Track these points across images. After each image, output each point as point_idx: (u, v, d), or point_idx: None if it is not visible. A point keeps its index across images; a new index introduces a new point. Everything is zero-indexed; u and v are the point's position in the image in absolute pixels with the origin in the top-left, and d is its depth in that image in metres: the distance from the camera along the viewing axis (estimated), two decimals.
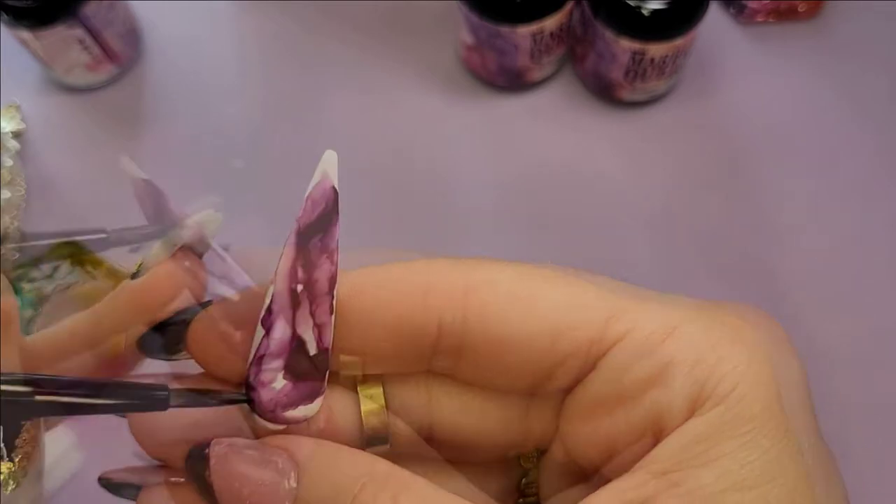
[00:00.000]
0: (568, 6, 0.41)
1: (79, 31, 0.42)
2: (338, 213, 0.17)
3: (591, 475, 0.18)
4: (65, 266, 0.38)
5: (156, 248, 0.18)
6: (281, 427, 0.17)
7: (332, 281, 0.16)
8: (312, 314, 0.17)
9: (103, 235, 0.16)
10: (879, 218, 0.42)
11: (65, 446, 0.37)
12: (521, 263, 0.18)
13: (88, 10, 0.42)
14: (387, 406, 0.19)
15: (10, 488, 0.17)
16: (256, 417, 0.17)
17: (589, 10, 0.41)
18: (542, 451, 0.20)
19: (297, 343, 0.17)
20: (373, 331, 0.18)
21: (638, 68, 0.41)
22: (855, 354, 0.38)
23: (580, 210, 0.42)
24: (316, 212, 0.17)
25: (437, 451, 0.19)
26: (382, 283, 0.18)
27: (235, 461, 0.16)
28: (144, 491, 0.18)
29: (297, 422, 0.17)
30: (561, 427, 0.19)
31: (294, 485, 0.16)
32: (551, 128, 0.45)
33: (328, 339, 0.17)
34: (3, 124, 0.45)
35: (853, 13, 0.47)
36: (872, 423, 0.37)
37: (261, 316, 0.17)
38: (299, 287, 0.16)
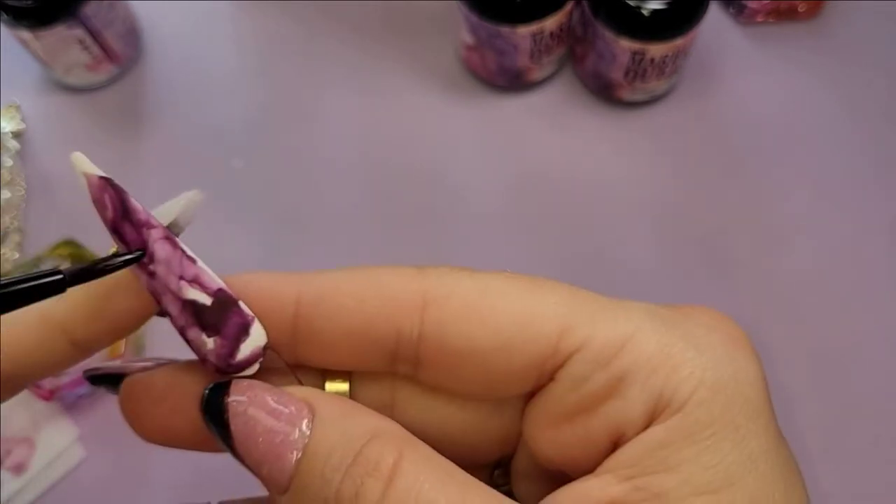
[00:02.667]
0: (568, 6, 0.41)
1: (79, 31, 0.42)
2: (120, 189, 0.17)
3: (555, 478, 0.19)
4: (65, 266, 0.38)
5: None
6: (248, 372, 0.18)
7: (170, 239, 0.17)
8: (180, 276, 0.17)
9: (59, 277, 0.16)
10: (879, 217, 0.42)
11: (67, 441, 0.37)
12: (479, 274, 0.19)
13: (88, 10, 0.42)
14: (350, 398, 0.19)
15: None
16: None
17: (589, 10, 0.41)
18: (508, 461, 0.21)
19: (191, 306, 0.17)
20: (332, 337, 0.18)
21: (638, 68, 0.41)
22: (855, 354, 0.38)
23: (580, 210, 0.42)
24: (107, 207, 0.17)
25: None
26: (343, 291, 0.18)
27: (253, 403, 0.17)
28: (127, 379, 0.19)
29: (253, 360, 0.18)
30: (524, 431, 0.19)
31: (307, 432, 0.16)
32: (551, 128, 0.45)
33: (210, 281, 0.17)
34: (3, 124, 0.45)
35: (853, 14, 0.47)
36: (873, 423, 0.37)
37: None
38: (151, 268, 0.17)
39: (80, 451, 0.37)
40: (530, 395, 0.19)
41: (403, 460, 0.16)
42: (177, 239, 0.17)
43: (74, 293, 0.17)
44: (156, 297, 0.17)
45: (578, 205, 0.42)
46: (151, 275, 0.17)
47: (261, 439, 0.16)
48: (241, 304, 0.18)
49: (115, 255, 0.17)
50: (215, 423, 0.17)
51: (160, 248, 0.17)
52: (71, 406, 0.38)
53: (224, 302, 0.17)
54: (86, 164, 0.17)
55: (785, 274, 0.40)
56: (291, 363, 0.19)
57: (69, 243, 0.39)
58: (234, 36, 0.49)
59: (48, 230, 0.42)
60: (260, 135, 0.45)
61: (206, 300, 0.17)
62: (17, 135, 0.45)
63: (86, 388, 0.38)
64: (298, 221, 0.43)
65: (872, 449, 0.36)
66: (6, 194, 0.42)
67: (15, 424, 0.37)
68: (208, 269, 0.17)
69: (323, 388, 0.19)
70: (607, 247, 0.41)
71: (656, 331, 0.17)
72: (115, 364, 0.20)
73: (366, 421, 0.17)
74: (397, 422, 0.19)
